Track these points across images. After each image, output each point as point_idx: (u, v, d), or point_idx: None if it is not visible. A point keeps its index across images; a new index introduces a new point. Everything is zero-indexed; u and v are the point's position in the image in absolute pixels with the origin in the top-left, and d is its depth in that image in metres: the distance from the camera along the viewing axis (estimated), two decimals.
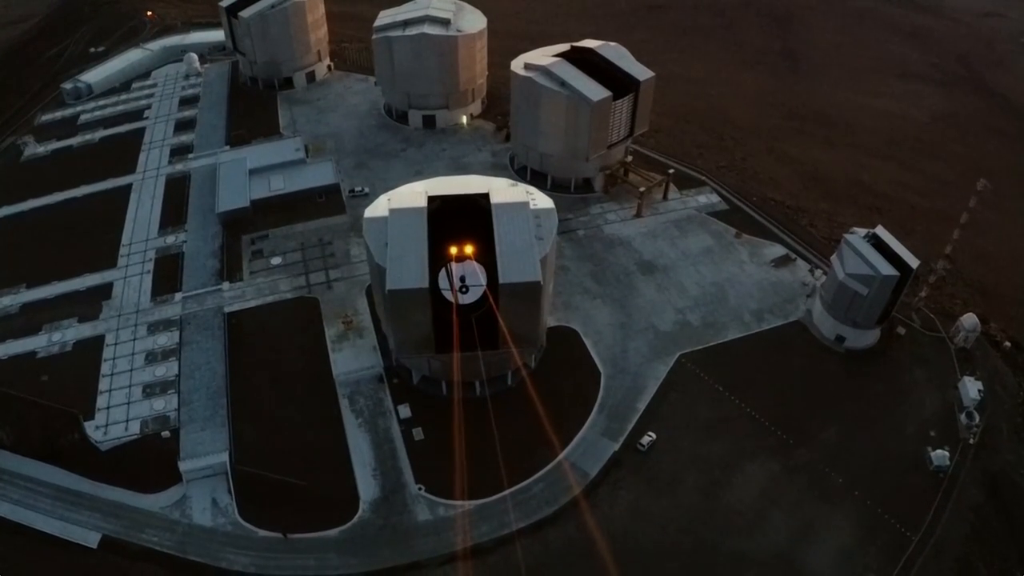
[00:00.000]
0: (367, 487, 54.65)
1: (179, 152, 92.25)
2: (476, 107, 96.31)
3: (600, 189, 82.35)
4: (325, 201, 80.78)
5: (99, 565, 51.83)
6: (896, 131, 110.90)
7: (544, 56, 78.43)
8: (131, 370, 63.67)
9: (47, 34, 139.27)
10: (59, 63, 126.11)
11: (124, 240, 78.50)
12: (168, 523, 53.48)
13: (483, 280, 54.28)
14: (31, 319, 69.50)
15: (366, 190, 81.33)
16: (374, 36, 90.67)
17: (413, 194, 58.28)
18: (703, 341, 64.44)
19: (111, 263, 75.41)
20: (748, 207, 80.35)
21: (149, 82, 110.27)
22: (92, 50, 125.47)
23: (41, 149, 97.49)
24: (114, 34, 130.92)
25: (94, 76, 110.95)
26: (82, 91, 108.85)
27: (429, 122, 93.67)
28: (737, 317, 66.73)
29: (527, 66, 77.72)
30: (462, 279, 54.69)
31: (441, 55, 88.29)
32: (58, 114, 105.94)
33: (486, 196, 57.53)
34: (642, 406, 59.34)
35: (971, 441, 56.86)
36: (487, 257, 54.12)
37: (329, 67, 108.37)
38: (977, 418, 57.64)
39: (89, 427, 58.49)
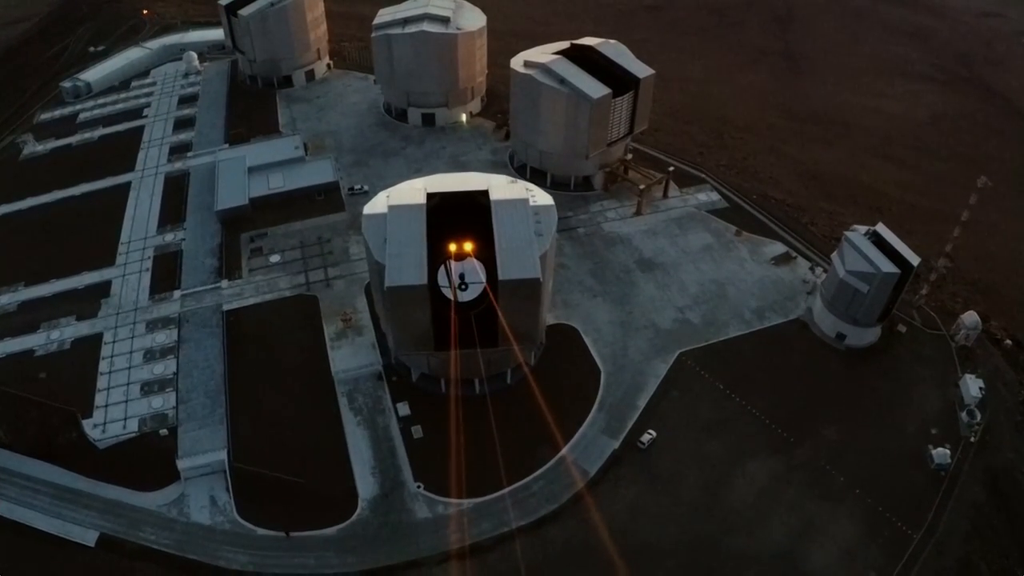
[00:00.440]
0: (366, 485, 54.44)
1: (178, 150, 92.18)
2: (476, 105, 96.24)
3: (600, 187, 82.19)
4: (324, 199, 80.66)
5: (97, 563, 51.54)
6: (896, 131, 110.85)
7: (544, 54, 78.32)
8: (129, 368, 63.53)
9: (47, 34, 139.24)
10: (59, 62, 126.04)
11: (123, 238, 78.39)
12: (166, 521, 53.22)
13: (482, 277, 54.06)
14: (29, 317, 69.37)
15: (365, 188, 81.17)
16: (373, 34, 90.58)
17: (412, 191, 58.06)
18: (703, 339, 64.27)
19: (110, 261, 75.31)
20: (748, 205, 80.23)
21: (148, 80, 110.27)
22: (92, 49, 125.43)
23: (40, 147, 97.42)
24: (114, 33, 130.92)
25: (93, 75, 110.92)
26: (81, 90, 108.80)
27: (428, 120, 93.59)
28: (737, 315, 66.55)
29: (527, 63, 77.61)
30: (461, 276, 54.46)
31: (440, 53, 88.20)
32: (57, 113, 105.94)
33: (485, 193, 57.32)
34: (642, 404, 59.15)
35: (972, 439, 56.69)
36: (486, 254, 53.89)
37: (329, 65, 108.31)
38: (978, 416, 57.48)
39: (87, 425, 58.33)
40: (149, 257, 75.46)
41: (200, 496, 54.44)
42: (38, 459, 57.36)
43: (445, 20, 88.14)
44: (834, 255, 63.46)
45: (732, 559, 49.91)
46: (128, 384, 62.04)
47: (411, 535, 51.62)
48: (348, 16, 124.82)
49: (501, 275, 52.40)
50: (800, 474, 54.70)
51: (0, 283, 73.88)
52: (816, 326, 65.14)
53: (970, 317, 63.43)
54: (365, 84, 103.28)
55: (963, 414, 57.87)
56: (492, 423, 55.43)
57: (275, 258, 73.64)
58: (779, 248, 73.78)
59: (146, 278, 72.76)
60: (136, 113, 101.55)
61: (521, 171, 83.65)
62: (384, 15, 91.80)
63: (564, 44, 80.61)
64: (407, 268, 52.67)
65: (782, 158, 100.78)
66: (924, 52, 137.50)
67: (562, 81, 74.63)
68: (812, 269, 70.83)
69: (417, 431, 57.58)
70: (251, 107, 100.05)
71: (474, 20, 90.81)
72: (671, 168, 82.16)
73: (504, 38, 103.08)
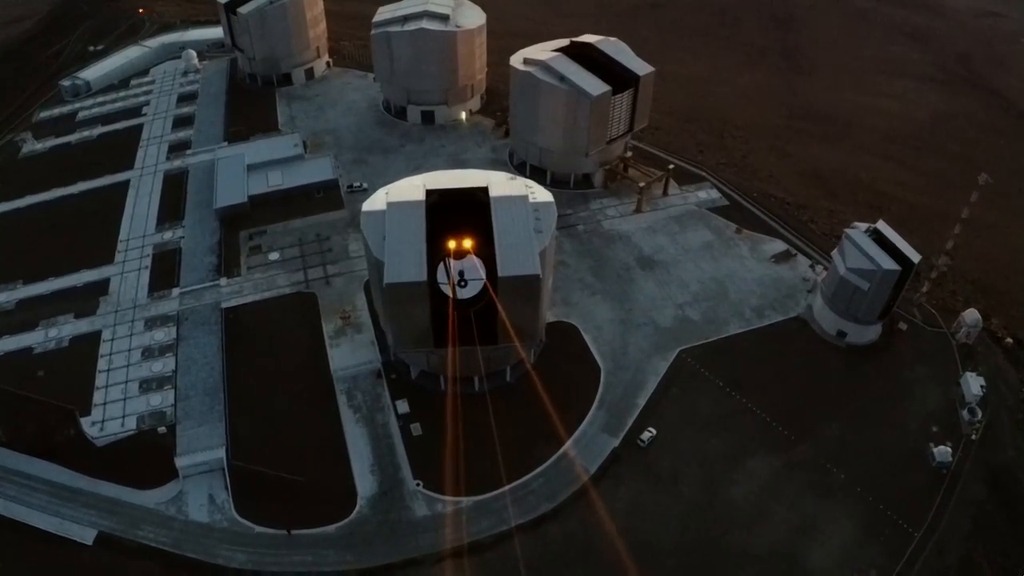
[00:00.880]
0: (365, 483, 54.24)
1: (177, 148, 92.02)
2: (475, 103, 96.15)
3: (600, 185, 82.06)
4: (323, 197, 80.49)
5: (95, 562, 51.28)
6: (896, 130, 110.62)
7: (543, 51, 78.19)
8: (128, 366, 63.37)
9: (47, 33, 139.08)
10: (58, 61, 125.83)
11: (121, 236, 78.29)
12: (164, 519, 52.98)
13: (482, 274, 53.87)
14: (28, 315, 69.19)
15: (365, 185, 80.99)
16: (373, 32, 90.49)
17: (412, 188, 57.90)
18: (703, 336, 64.12)
19: (108, 259, 75.13)
20: (748, 203, 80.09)
21: (147, 79, 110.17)
22: (91, 48, 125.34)
23: (39, 146, 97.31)
24: (113, 32, 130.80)
25: (92, 73, 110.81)
26: (80, 88, 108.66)
27: (428, 118, 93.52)
28: (737, 312, 66.38)
29: (526, 61, 77.48)
30: (460, 273, 54.28)
31: (440, 51, 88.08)
32: (56, 111, 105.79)
33: (485, 190, 57.15)
34: (642, 402, 58.99)
35: (973, 437, 56.50)
36: (486, 251, 53.71)
37: (328, 63, 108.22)
38: (979, 414, 57.30)
39: (85, 423, 58.13)
40: (148, 255, 75.35)
41: (198, 494, 54.22)
42: (36, 457, 57.14)
43: (445, 18, 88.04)
44: (834, 252, 63.28)
45: (732, 557, 49.71)
46: (126, 382, 61.88)
47: (410, 533, 51.38)
48: (347, 15, 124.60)
49: (501, 271, 52.25)
50: (800, 472, 54.52)
51: None
52: (817, 324, 64.95)
53: (971, 315, 63.25)
54: (364, 82, 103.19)
55: (964, 412, 57.69)
56: (492, 421, 55.18)
57: (274, 256, 73.47)
58: (779, 246, 73.65)
59: (145, 276, 72.62)
60: (135, 111, 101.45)
61: (521, 169, 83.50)
62: (384, 12, 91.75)
63: (564, 42, 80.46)
64: (406, 265, 52.49)
65: (782, 157, 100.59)
66: (924, 52, 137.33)
67: (562, 78, 74.52)
68: (812, 267, 70.68)
69: (416, 429, 57.38)
70: (250, 105, 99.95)
71: (473, 18, 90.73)
72: (671, 166, 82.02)
73: (504, 38, 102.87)
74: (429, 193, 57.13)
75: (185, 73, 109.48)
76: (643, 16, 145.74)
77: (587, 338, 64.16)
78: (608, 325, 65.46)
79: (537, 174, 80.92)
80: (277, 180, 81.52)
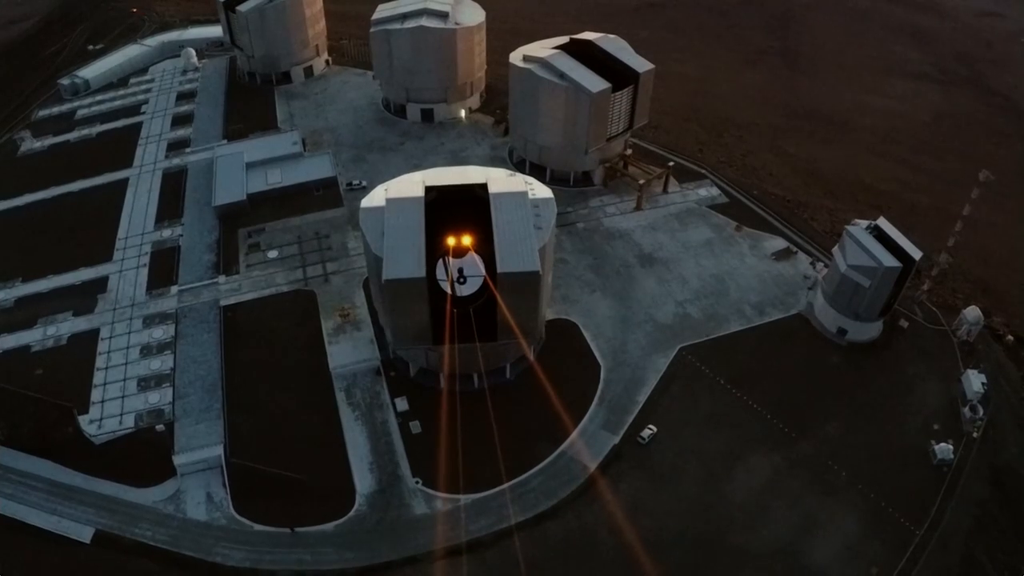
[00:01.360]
0: (363, 480, 53.99)
1: (176, 146, 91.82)
2: (475, 101, 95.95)
3: (599, 182, 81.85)
4: (322, 194, 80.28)
5: (92, 560, 51.03)
6: (896, 130, 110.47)
7: (543, 48, 77.99)
8: (126, 363, 63.14)
9: (46, 33, 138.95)
10: (57, 61, 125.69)
11: (120, 234, 78.03)
12: (162, 517, 52.71)
13: (482, 271, 53.66)
14: (26, 313, 68.97)
15: (364, 183, 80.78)
16: (372, 29, 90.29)
17: (411, 184, 57.71)
18: (704, 334, 63.89)
19: (107, 257, 74.91)
20: (748, 200, 79.94)
21: (146, 77, 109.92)
22: (91, 47, 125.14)
23: (38, 144, 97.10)
24: (112, 32, 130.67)
25: (91, 72, 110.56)
26: (79, 87, 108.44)
27: (427, 116, 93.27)
28: (738, 310, 66.17)
29: (526, 58, 77.30)
30: (460, 270, 54.08)
31: (439, 48, 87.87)
32: (55, 110, 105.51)
33: (484, 186, 56.95)
34: (642, 399, 58.75)
35: (975, 435, 56.27)
36: (485, 247, 53.49)
37: (327, 62, 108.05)
38: (981, 411, 57.08)
39: (83, 421, 57.88)
40: (146, 253, 75.08)
41: (197, 492, 53.96)
42: (34, 455, 56.85)
43: (444, 15, 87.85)
44: (835, 249, 63.10)
45: (733, 555, 49.46)
46: (125, 380, 61.63)
47: (409, 531, 51.12)
48: (347, 16, 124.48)
49: (500, 268, 52.04)
50: (801, 469, 54.28)
51: None
52: (817, 321, 64.75)
53: (972, 312, 63.07)
54: (364, 80, 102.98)
55: (966, 409, 57.48)
56: (491, 418, 54.90)
57: (273, 253, 73.25)
58: (780, 243, 73.48)
59: (143, 274, 72.38)
60: (134, 110, 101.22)
61: (520, 166, 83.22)
62: (383, 10, 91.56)
63: (563, 39, 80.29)
64: (405, 261, 52.29)
65: (782, 156, 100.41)
66: (924, 51, 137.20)
67: (561, 75, 74.33)
68: (813, 264, 70.51)
69: (415, 426, 57.14)
70: (249, 103, 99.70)
71: (473, 15, 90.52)
72: (671, 163, 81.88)
73: (504, 37, 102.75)
74: (428, 189, 56.92)
75: (184, 71, 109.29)
76: (643, 16, 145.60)
77: (587, 335, 63.93)
78: (608, 322, 65.24)
79: (537, 172, 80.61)
80: (276, 178, 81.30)
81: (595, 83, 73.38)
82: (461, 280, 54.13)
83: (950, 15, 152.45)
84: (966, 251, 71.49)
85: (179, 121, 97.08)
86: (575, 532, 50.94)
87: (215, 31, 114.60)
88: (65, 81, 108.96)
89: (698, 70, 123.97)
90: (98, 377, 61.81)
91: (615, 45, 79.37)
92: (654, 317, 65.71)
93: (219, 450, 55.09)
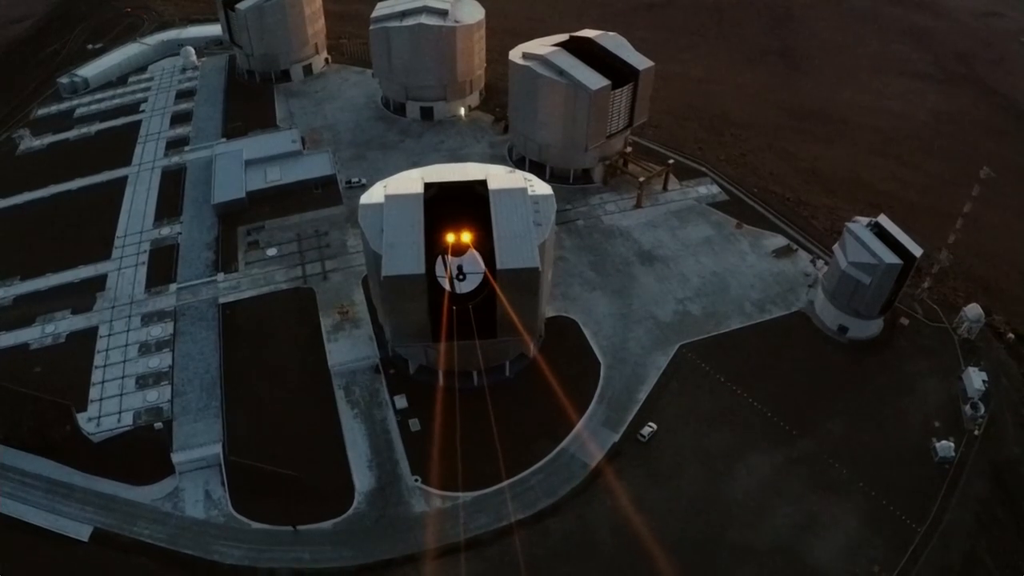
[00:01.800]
0: (362, 478, 53.81)
1: (175, 145, 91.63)
2: (474, 99, 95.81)
3: (599, 180, 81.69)
4: (322, 192, 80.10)
5: (90, 558, 50.79)
6: (896, 129, 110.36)
7: (543, 46, 77.89)
8: (124, 361, 62.97)
9: (46, 33, 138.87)
10: (57, 60, 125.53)
11: (119, 232, 77.87)
12: (160, 515, 52.53)
13: (481, 268, 53.47)
14: (25, 311, 68.79)
15: (363, 181, 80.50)
16: (371, 27, 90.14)
17: (410, 181, 57.59)
18: (704, 331, 63.74)
19: (106, 255, 74.70)
20: (749, 198, 79.80)
21: (146, 76, 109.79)
22: (90, 47, 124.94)
23: (37, 143, 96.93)
24: (112, 31, 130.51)
25: (90, 70, 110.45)
26: (78, 85, 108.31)
27: (427, 114, 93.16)
28: (738, 307, 66.02)
29: (525, 55, 77.18)
30: (459, 267, 53.90)
31: (439, 46, 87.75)
32: (54, 108, 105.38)
33: (483, 183, 56.79)
34: (642, 396, 58.60)
35: (976, 432, 56.12)
36: (485, 244, 53.30)
37: (327, 60, 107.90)
38: (982, 409, 56.91)
39: (82, 419, 57.67)
40: (145, 251, 74.91)
41: (195, 490, 53.78)
42: (32, 453, 56.66)
43: (443, 13, 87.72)
44: (836, 247, 62.95)
45: (733, 552, 49.26)
46: (123, 378, 61.48)
47: (408, 529, 50.90)
48: (347, 15, 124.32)
49: (499, 264, 51.91)
50: (802, 467, 54.11)
51: None
52: (818, 318, 64.58)
53: (973, 310, 62.90)
54: (363, 78, 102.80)
55: (967, 407, 57.29)
56: (491, 416, 54.68)
57: (272, 251, 73.07)
58: (780, 241, 73.33)
59: (142, 271, 72.24)
60: (133, 108, 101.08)
61: (520, 164, 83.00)
62: (382, 8, 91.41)
63: (563, 36, 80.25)
64: (404, 257, 52.13)
65: (782, 155, 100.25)
66: (923, 51, 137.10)
67: (561, 73, 74.21)
68: (813, 262, 70.35)
69: (414, 424, 56.93)
70: (249, 102, 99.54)
71: (472, 13, 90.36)
72: (671, 161, 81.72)
73: (504, 38, 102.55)
74: (427, 186, 56.77)
75: (183, 70, 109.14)
76: (642, 16, 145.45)
77: (587, 332, 63.76)
78: (608, 320, 65.06)
79: (536, 169, 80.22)
80: (275, 176, 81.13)
81: (595, 80, 73.24)
82: (460, 277, 53.94)
83: (950, 15, 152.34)
84: (966, 249, 71.33)
85: (178, 119, 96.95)
86: (575, 530, 50.75)
87: (214, 30, 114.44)
88: (64, 80, 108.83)
89: (698, 70, 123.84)
90: (96, 375, 61.67)
91: (615, 42, 79.25)
92: (654, 315, 65.53)
93: (217, 448, 54.90)
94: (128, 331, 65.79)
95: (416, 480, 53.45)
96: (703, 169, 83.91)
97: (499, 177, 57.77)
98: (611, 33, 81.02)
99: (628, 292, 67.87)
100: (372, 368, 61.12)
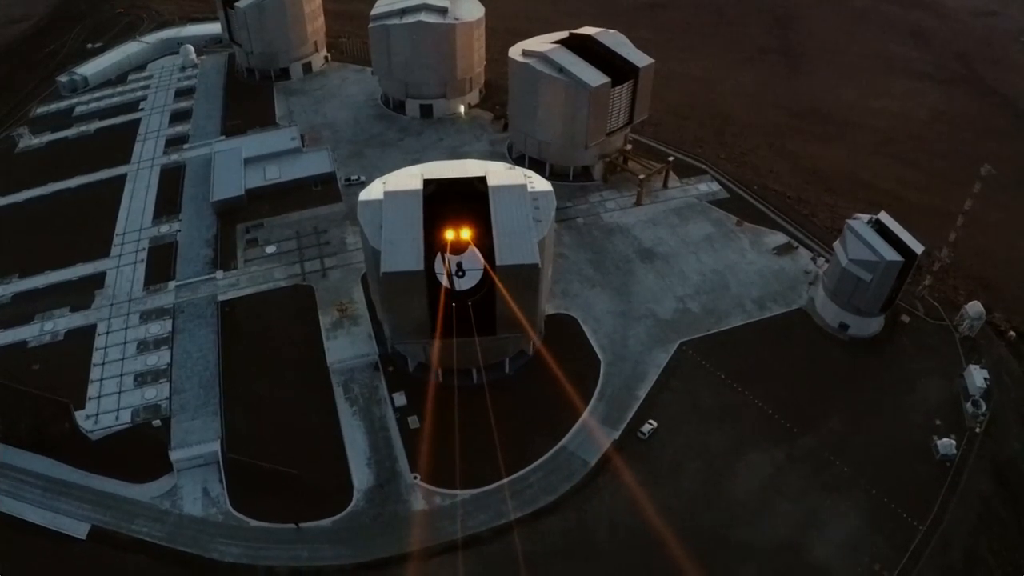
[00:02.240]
0: (361, 476, 53.60)
1: (174, 143, 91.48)
2: (474, 96, 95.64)
3: (599, 177, 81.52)
4: (321, 190, 79.93)
5: (88, 556, 50.59)
6: (896, 129, 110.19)
7: (542, 43, 77.75)
8: (123, 359, 62.76)
9: (45, 32, 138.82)
10: (56, 59, 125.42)
11: (118, 230, 77.70)
12: (158, 513, 52.36)
13: (480, 264, 53.27)
14: (23, 309, 68.64)
15: (363, 178, 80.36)
16: (371, 24, 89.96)
17: (409, 177, 57.42)
18: (704, 329, 63.52)
19: (104, 252, 74.51)
20: (749, 196, 79.63)
21: (145, 74, 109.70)
22: (89, 46, 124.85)
23: (36, 141, 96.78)
24: (111, 30, 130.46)
25: (90, 69, 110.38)
26: (78, 84, 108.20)
27: (426, 111, 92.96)
28: (739, 305, 65.81)
29: (525, 52, 77.02)
30: (458, 264, 53.71)
31: (438, 44, 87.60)
32: (53, 106, 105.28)
33: (483, 179, 56.61)
34: (642, 394, 58.36)
35: (977, 430, 55.90)
36: (484, 240, 53.11)
37: (326, 58, 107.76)
38: (983, 407, 56.68)
39: (80, 416, 57.50)
40: (144, 248, 74.73)
41: (193, 488, 53.57)
42: (30, 451, 56.47)
43: (443, 10, 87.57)
44: (836, 244, 62.76)
45: (735, 550, 48.98)
46: (121, 375, 61.26)
47: (407, 527, 50.63)
48: (346, 14, 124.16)
49: (499, 261, 51.73)
50: (803, 465, 53.87)
51: None
52: (819, 316, 64.39)
53: (974, 307, 62.71)
54: (363, 76, 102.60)
55: (968, 405, 57.08)
56: (490, 413, 54.45)
57: (271, 249, 72.91)
58: (780, 238, 73.13)
59: (141, 269, 72.04)
60: (132, 106, 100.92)
61: (520, 162, 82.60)
62: (381, 5, 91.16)
63: (563, 33, 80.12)
64: (403, 254, 51.94)
65: (782, 154, 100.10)
66: (923, 51, 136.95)
67: (561, 70, 74.01)
68: (814, 259, 70.16)
69: (414, 421, 56.72)
70: (248, 100, 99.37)
71: (472, 10, 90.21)
72: (671, 158, 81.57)
73: (504, 37, 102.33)
74: (427, 183, 56.58)
75: (183, 68, 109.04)
76: (642, 15, 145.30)
77: (586, 330, 63.56)
78: (608, 317, 64.86)
79: (536, 167, 79.85)
80: (274, 173, 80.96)
81: (594, 77, 73.08)
82: (460, 274, 53.75)
83: (949, 14, 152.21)
84: (966, 248, 71.13)
85: (177, 117, 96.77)
86: (574, 528, 50.52)
87: (214, 28, 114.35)
88: (64, 78, 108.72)
89: (698, 70, 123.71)
90: (95, 373, 61.46)
91: (615, 40, 79.13)
92: (654, 312, 65.33)
93: (216, 446, 54.68)
94: (127, 329, 65.60)
95: (415, 478, 53.25)
96: (703, 167, 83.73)
97: (498, 173, 57.62)
98: (611, 30, 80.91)
99: (628, 289, 67.68)
100: (371, 366, 60.92)
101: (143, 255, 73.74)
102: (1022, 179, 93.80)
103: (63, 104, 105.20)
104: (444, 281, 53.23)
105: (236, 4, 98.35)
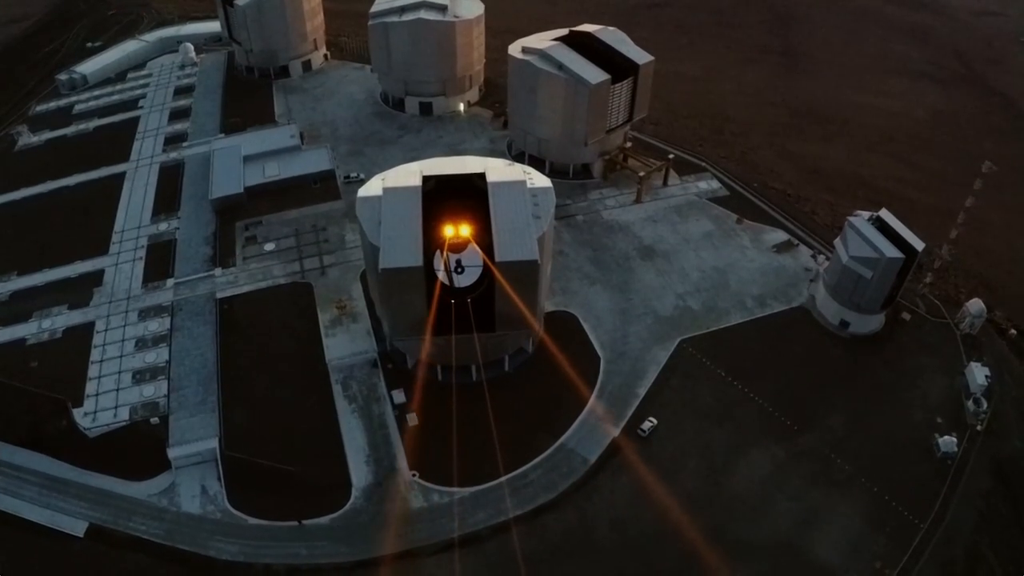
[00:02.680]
0: (360, 474, 53.40)
1: (174, 141, 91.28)
2: (474, 94, 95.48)
3: (599, 175, 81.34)
4: (320, 187, 79.73)
5: (86, 553, 50.39)
6: (895, 128, 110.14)
7: (542, 40, 77.61)
8: (121, 356, 62.51)
9: (45, 31, 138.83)
10: (56, 58, 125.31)
11: (116, 227, 77.47)
12: (156, 511, 52.17)
13: (479, 261, 53.05)
14: (22, 306, 68.38)
15: (362, 176, 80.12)
16: (370, 22, 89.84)
17: (408, 173, 57.22)
18: (704, 326, 63.36)
19: (103, 250, 74.29)
20: (749, 193, 79.45)
21: (144, 72, 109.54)
22: (89, 45, 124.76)
23: (35, 139, 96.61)
24: (111, 29, 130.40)
25: (89, 67, 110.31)
26: (77, 82, 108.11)
27: (426, 109, 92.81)
28: (739, 302, 65.64)
29: (524, 49, 76.91)
30: (458, 261, 53.50)
31: (438, 41, 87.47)
32: (53, 105, 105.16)
33: (482, 175, 56.42)
34: (642, 391, 58.21)
35: (978, 428, 55.75)
36: (484, 237, 52.90)
37: (326, 56, 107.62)
38: (984, 404, 56.53)
39: (78, 414, 57.24)
40: (143, 246, 74.48)
41: (191, 485, 53.37)
42: (28, 448, 56.30)
43: (443, 8, 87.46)
44: (837, 241, 62.58)
45: (735, 548, 48.72)
46: (119, 372, 61.01)
47: (405, 524, 50.33)
48: (346, 14, 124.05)
49: (498, 257, 51.53)
50: (804, 462, 53.70)
51: None
52: (819, 313, 64.20)
53: (975, 305, 62.53)
54: (362, 74, 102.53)
55: (969, 402, 56.89)
56: (489, 411, 54.21)
57: (270, 246, 72.67)
58: (781, 236, 72.96)
59: (139, 267, 71.81)
60: (132, 104, 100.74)
61: (519, 159, 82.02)
62: (381, 3, 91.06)
63: (563, 31, 79.93)
64: (402, 250, 51.74)
65: (782, 153, 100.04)
66: (923, 50, 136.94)
67: (560, 67, 73.88)
68: (815, 256, 69.96)
69: (412, 419, 56.52)
70: (247, 97, 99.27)
71: (472, 8, 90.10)
72: (671, 156, 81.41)
73: (504, 37, 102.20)
74: (426, 179, 56.39)
75: (182, 66, 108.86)
76: (643, 14, 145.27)
77: (586, 327, 63.36)
78: (608, 315, 64.65)
79: (536, 164, 79.33)
80: (274, 171, 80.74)
81: (594, 75, 72.91)
82: (459, 270, 53.52)
83: (949, 14, 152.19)
84: (966, 247, 71.07)
85: (177, 115, 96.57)
86: (574, 525, 50.33)
87: (213, 26, 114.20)
88: (63, 76, 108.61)
89: (699, 69, 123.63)
90: (93, 370, 61.21)
91: (614, 37, 78.96)
92: (654, 309, 65.14)
93: (214, 443, 54.47)
94: (125, 326, 65.36)
95: (414, 475, 53.02)
96: (703, 164, 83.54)
97: (498, 170, 57.44)
98: (611, 28, 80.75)
99: (628, 287, 67.48)
100: (370, 363, 60.70)
101: (142, 253, 73.50)
102: (1022, 178, 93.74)
103: (62, 102, 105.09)
104: (443, 277, 52.98)
105: (236, 2, 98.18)
